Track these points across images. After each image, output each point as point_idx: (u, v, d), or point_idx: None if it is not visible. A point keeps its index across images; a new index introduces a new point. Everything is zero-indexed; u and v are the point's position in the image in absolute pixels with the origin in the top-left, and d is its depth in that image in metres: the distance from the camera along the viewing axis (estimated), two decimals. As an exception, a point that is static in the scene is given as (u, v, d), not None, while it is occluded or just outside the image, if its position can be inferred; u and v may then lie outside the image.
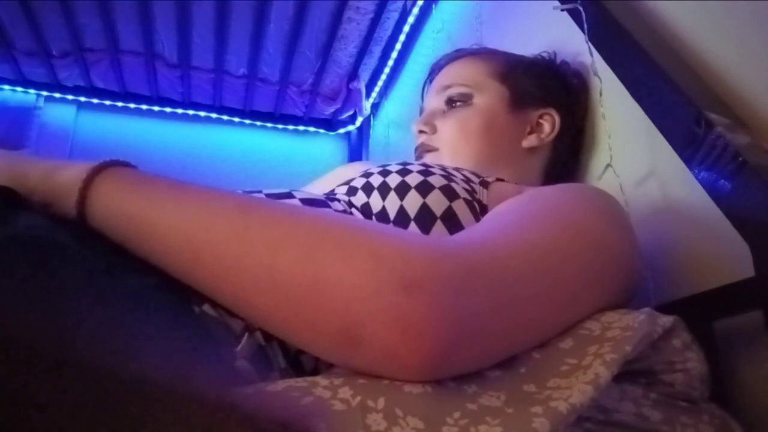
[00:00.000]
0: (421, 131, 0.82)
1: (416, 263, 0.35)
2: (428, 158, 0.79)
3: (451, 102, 0.80)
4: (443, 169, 0.63)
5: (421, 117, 0.84)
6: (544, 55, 0.86)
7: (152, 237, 0.40)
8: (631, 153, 0.73)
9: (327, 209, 0.57)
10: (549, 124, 0.79)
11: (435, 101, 0.83)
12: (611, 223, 0.50)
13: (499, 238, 0.42)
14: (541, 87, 0.81)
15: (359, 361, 0.35)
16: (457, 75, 0.82)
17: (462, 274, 0.36)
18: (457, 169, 0.65)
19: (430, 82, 0.88)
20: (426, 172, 0.61)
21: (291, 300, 0.36)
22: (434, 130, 0.80)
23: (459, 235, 0.46)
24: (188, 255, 0.39)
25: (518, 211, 0.49)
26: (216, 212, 0.39)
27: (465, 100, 0.79)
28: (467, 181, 0.63)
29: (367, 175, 0.64)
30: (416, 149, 0.82)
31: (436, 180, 0.59)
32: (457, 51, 0.88)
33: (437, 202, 0.57)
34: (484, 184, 0.64)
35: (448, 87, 0.81)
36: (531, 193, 0.56)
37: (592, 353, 0.37)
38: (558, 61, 0.86)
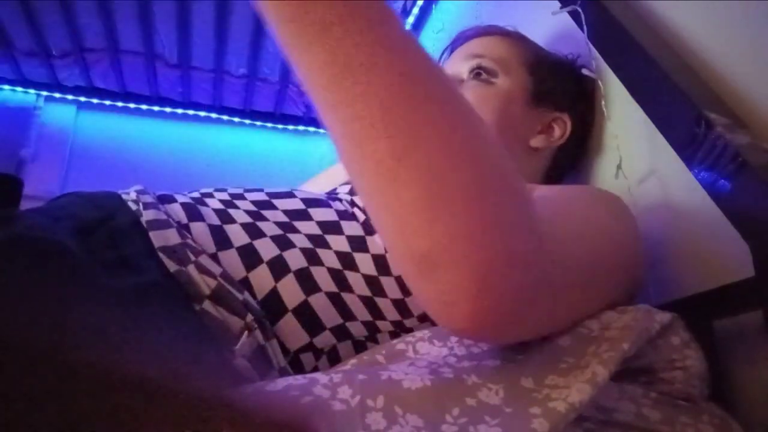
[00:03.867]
0: None
1: (516, 253, 0.34)
2: None
3: (476, 72, 0.77)
4: None
5: None
6: (570, 56, 0.83)
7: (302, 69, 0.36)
8: (631, 153, 0.73)
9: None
10: (560, 129, 0.78)
11: (458, 67, 0.79)
12: (630, 231, 0.52)
13: (574, 239, 0.43)
14: (563, 89, 0.79)
15: (425, 291, 0.35)
16: (489, 48, 0.79)
17: (542, 274, 0.36)
18: None
19: (452, 50, 0.85)
20: None
21: (397, 203, 0.34)
22: None
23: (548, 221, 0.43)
24: (324, 111, 0.37)
25: (575, 211, 0.49)
26: (368, 97, 0.34)
27: (489, 76, 0.76)
28: None
29: None
30: None
31: None
32: (490, 26, 0.85)
33: None
34: None
35: (478, 56, 0.78)
36: (570, 192, 0.56)
37: (590, 353, 0.37)
38: (582, 69, 0.83)
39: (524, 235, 0.35)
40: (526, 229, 0.35)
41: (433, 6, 1.50)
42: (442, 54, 0.89)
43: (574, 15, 0.78)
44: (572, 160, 0.82)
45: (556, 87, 0.78)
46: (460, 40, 0.85)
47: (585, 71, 0.81)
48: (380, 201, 0.35)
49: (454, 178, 0.33)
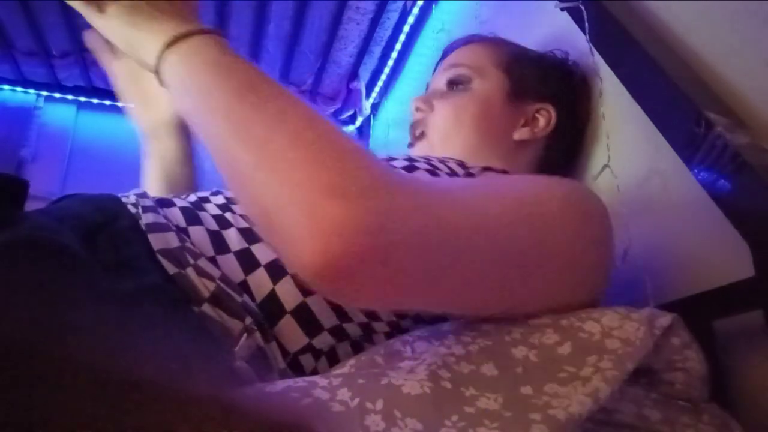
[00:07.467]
0: (417, 108, 0.83)
1: (359, 182, 0.36)
2: (419, 144, 0.81)
3: (451, 83, 0.81)
4: (428, 161, 0.63)
5: (422, 94, 0.85)
6: (557, 53, 0.85)
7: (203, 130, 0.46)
8: (630, 153, 0.72)
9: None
10: (545, 119, 0.79)
11: (438, 80, 0.84)
12: (587, 223, 0.49)
13: (449, 193, 0.42)
14: (544, 82, 0.80)
15: (274, 244, 0.39)
16: (463, 57, 0.83)
17: (397, 207, 0.36)
18: (442, 161, 0.65)
19: (441, 62, 0.89)
20: (410, 167, 0.61)
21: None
22: (431, 109, 0.81)
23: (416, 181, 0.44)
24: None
25: (481, 181, 0.49)
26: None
27: (465, 82, 0.80)
28: (452, 173, 0.62)
29: None
30: (411, 126, 0.83)
31: (421, 174, 0.59)
32: (471, 36, 0.89)
33: None
34: (470, 175, 0.64)
35: (452, 67, 0.82)
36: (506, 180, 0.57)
37: (591, 364, 0.37)
38: (569, 61, 0.85)
39: (362, 199, 0.35)
40: (366, 192, 0.35)
41: (433, 6, 1.50)
42: (436, 65, 0.91)
43: (575, 14, 0.78)
44: (566, 151, 0.82)
45: (536, 80, 0.80)
46: (447, 53, 0.89)
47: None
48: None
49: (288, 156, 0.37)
